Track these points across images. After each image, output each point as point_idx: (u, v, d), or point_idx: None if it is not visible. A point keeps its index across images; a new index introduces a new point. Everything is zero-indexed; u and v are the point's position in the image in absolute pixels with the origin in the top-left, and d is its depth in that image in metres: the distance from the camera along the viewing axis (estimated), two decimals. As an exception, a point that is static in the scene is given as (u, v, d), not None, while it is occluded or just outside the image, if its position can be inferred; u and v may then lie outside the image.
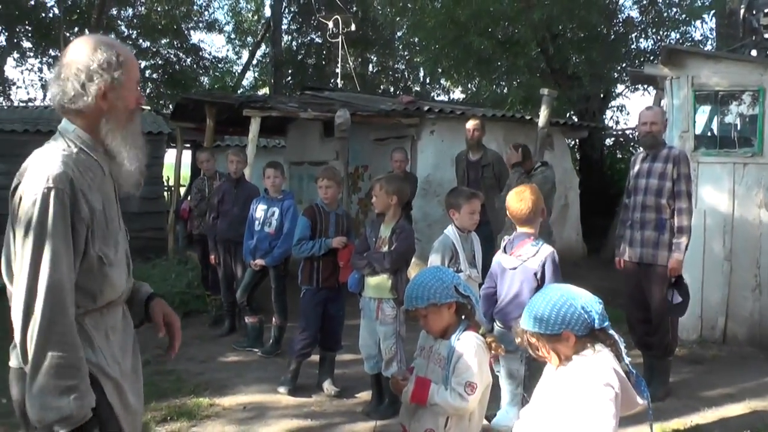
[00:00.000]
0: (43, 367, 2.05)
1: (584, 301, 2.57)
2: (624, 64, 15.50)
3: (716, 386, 5.87)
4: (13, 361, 2.24)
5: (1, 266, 2.24)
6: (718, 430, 4.99)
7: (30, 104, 22.93)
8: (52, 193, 2.09)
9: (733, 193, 7.16)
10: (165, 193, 16.94)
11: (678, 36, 16.37)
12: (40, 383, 2.06)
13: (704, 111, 7.73)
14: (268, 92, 24.94)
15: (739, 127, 7.50)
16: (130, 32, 26.46)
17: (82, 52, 2.26)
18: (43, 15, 24.84)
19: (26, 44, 25.96)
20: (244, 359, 6.78)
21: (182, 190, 15.75)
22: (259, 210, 6.88)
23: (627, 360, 2.54)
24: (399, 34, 22.49)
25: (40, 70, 26.40)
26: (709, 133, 7.75)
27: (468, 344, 2.95)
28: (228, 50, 34.34)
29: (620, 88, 17.95)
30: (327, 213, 5.83)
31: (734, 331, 7.14)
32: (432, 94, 26.30)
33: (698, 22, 16.44)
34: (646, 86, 14.81)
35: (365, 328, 5.23)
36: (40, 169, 2.13)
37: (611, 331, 2.55)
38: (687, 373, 6.25)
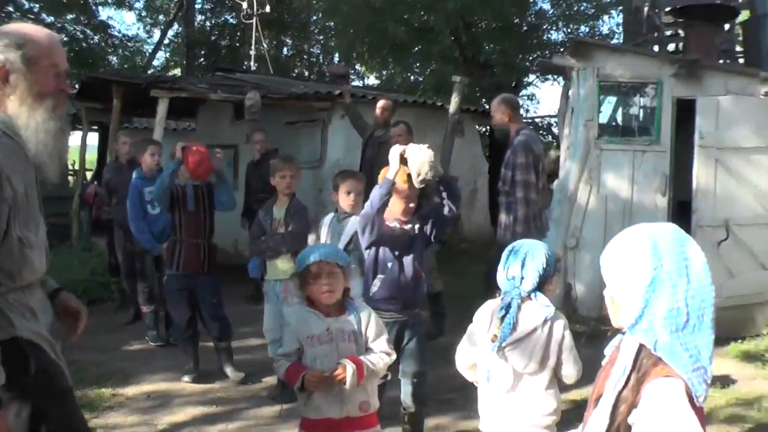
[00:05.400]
0: None
1: None
2: (535, 55, 15.82)
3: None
4: None
5: None
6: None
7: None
8: None
9: (632, 179, 7.43)
10: (69, 177, 16.32)
11: (587, 29, 16.97)
12: None
13: (610, 101, 8.02)
14: (180, 73, 24.31)
15: (640, 117, 7.79)
16: (32, 6, 25.22)
17: None
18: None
19: None
20: (149, 347, 6.64)
21: (88, 174, 15.21)
22: (147, 193, 6.36)
23: None
24: (314, 17, 22.29)
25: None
26: (613, 123, 8.04)
27: (367, 309, 3.16)
28: (138, 29, 33.13)
29: (531, 77, 18.40)
30: (182, 187, 5.55)
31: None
32: (347, 80, 26.19)
33: (606, 17, 17.24)
34: (555, 76, 15.18)
35: (270, 312, 5.19)
36: None
37: None
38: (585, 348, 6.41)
